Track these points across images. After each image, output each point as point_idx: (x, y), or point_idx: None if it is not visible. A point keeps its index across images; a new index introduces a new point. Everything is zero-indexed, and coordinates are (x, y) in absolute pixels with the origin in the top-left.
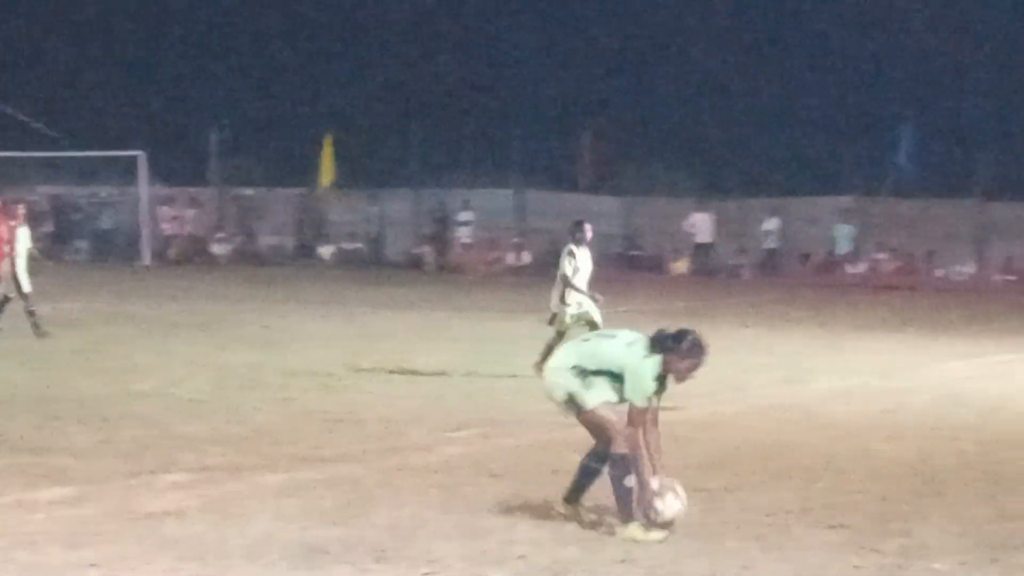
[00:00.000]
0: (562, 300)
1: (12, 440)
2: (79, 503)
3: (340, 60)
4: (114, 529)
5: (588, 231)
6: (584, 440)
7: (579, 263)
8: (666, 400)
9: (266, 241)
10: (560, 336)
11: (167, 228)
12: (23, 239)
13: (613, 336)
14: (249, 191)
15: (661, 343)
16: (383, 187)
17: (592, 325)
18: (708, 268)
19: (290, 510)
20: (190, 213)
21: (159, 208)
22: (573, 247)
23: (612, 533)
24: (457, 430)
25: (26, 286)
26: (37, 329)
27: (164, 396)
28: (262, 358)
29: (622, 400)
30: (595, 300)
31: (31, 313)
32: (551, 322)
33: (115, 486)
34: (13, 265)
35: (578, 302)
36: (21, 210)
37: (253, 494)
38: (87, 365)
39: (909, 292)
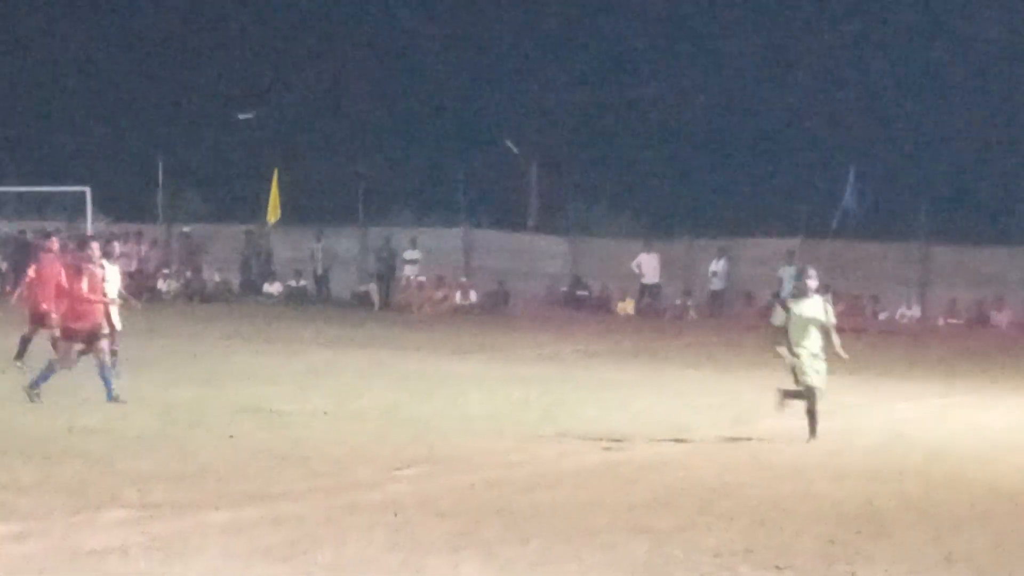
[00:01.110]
0: (790, 350)
1: None
2: (22, 539)
3: (288, 95)
4: (57, 566)
5: (812, 279)
6: (529, 479)
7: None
8: (611, 439)
9: (212, 277)
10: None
11: (119, 265)
12: (113, 279)
13: None
14: (194, 227)
15: None
16: (330, 224)
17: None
18: (655, 309)
19: (235, 548)
20: (138, 249)
21: (115, 244)
22: (789, 300)
23: None
24: (403, 468)
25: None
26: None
27: (108, 432)
28: (207, 395)
29: None
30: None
31: (113, 352)
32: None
33: (58, 522)
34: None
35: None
36: (117, 248)
37: (198, 531)
38: (30, 400)
39: (854, 334)
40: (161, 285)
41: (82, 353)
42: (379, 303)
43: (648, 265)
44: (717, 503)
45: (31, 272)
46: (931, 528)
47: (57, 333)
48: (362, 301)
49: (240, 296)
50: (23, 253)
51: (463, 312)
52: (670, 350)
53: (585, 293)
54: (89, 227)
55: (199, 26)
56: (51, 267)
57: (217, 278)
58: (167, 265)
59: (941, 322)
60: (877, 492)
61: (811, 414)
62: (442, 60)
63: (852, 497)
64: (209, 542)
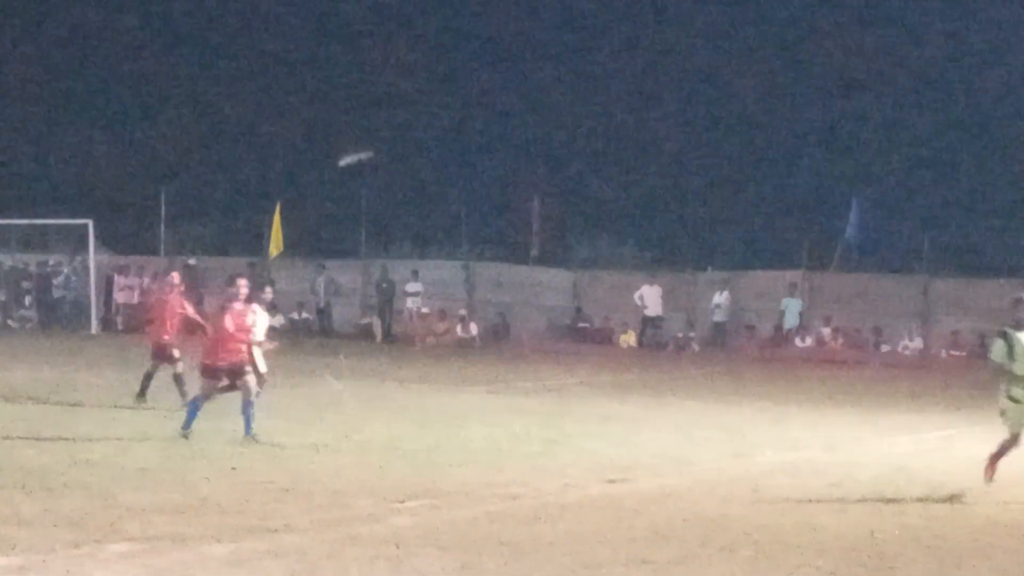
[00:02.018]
0: (1007, 395)
1: None
2: (23, 572)
3: (290, 128)
4: None
5: None
6: (531, 512)
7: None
8: (613, 472)
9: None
10: (1015, 440)
11: (121, 296)
12: (261, 321)
13: None
14: (185, 260)
15: None
16: (332, 257)
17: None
18: (657, 341)
19: None
20: (140, 281)
21: (116, 277)
22: (1009, 330)
23: None
24: (405, 501)
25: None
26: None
27: (110, 465)
28: (208, 427)
29: None
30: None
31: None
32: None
33: (60, 556)
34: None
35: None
36: (268, 294)
37: (199, 564)
38: (33, 433)
39: (856, 367)
40: None
41: (226, 390)
42: (381, 336)
43: (651, 297)
44: (719, 536)
45: (152, 306)
46: (934, 561)
47: (179, 368)
48: (364, 334)
49: None
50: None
51: (465, 345)
52: (672, 382)
53: (587, 325)
54: (91, 259)
55: (201, 61)
56: (173, 301)
57: None
58: None
59: (943, 354)
60: (879, 525)
61: (999, 456)
62: (444, 93)
63: (854, 530)
64: (211, 575)
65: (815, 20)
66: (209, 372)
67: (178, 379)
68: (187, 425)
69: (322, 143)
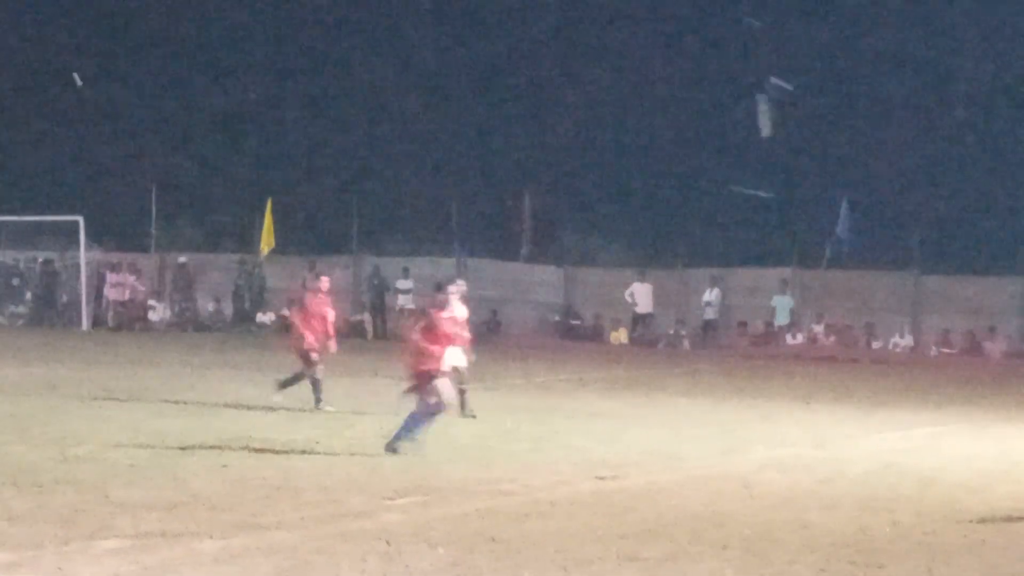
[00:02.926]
0: None
1: None
2: (14, 569)
3: (280, 125)
4: None
5: None
6: (521, 509)
7: None
8: (603, 469)
9: (205, 307)
10: None
11: (112, 293)
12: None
13: None
14: (188, 257)
15: None
16: (323, 254)
17: None
18: (647, 338)
19: None
20: (131, 279)
21: (108, 274)
22: None
23: None
24: (395, 498)
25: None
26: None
27: (100, 461)
28: (199, 424)
29: None
30: None
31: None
32: None
33: (50, 552)
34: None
35: None
36: (461, 285)
37: (189, 561)
38: (22, 430)
39: (847, 364)
40: (153, 315)
41: (410, 391)
42: (372, 333)
43: (641, 294)
44: (709, 533)
45: (297, 311)
46: (924, 558)
47: (319, 373)
48: (355, 331)
49: (233, 325)
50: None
51: None
52: (663, 379)
53: (578, 322)
54: (82, 256)
55: (192, 55)
56: (319, 307)
57: (210, 307)
58: (159, 295)
59: (934, 351)
60: (869, 522)
61: None
62: (436, 90)
63: (844, 527)
64: (201, 571)
65: (803, 17)
66: (425, 378)
67: (316, 383)
68: (413, 438)
69: (314, 140)
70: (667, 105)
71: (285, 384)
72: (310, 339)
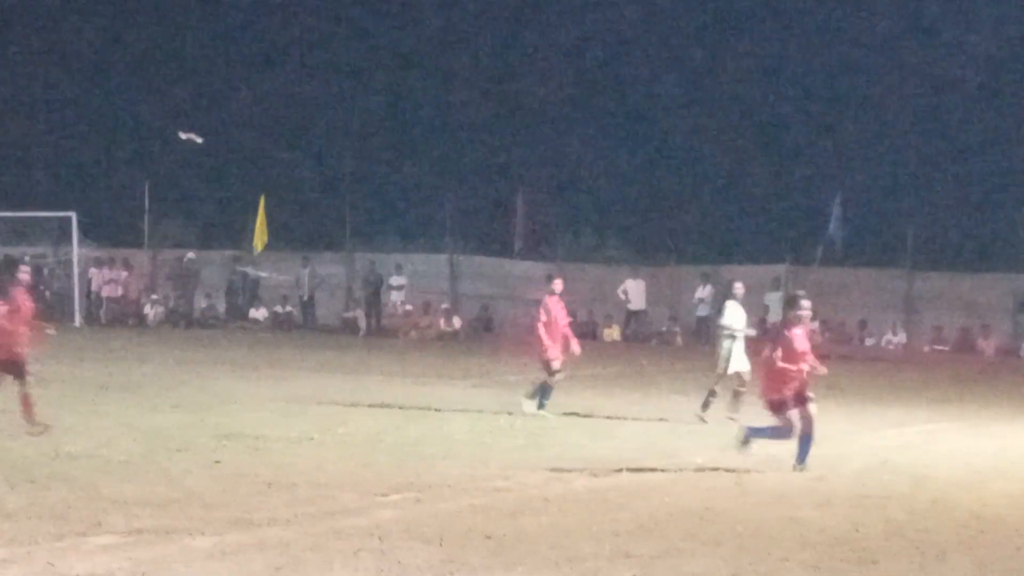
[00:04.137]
0: None
1: None
2: (6, 566)
3: (274, 123)
4: None
5: None
6: (514, 505)
7: None
8: (597, 466)
9: (198, 303)
10: None
11: (107, 290)
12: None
13: None
14: (183, 253)
15: None
16: (316, 250)
17: None
18: (640, 335)
19: (220, 573)
20: (124, 275)
21: (93, 270)
22: None
23: None
24: (389, 494)
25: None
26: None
27: (93, 458)
28: (193, 420)
29: None
30: None
31: (712, 393)
32: None
33: (43, 548)
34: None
35: None
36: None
37: (182, 557)
38: (16, 426)
39: (840, 360)
40: (147, 311)
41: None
42: (365, 329)
43: (634, 291)
44: (702, 529)
45: (541, 316)
46: (916, 555)
47: (553, 380)
48: (348, 327)
49: (226, 322)
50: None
51: (448, 338)
52: (656, 376)
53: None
54: (75, 252)
55: (184, 52)
56: (558, 310)
57: (203, 304)
58: (153, 291)
59: (927, 349)
60: (862, 519)
61: None
62: (427, 85)
63: (837, 524)
64: (194, 568)
65: (798, 16)
66: (778, 406)
67: (545, 389)
68: (757, 439)
69: (307, 136)
70: (660, 100)
71: (534, 395)
72: (553, 349)
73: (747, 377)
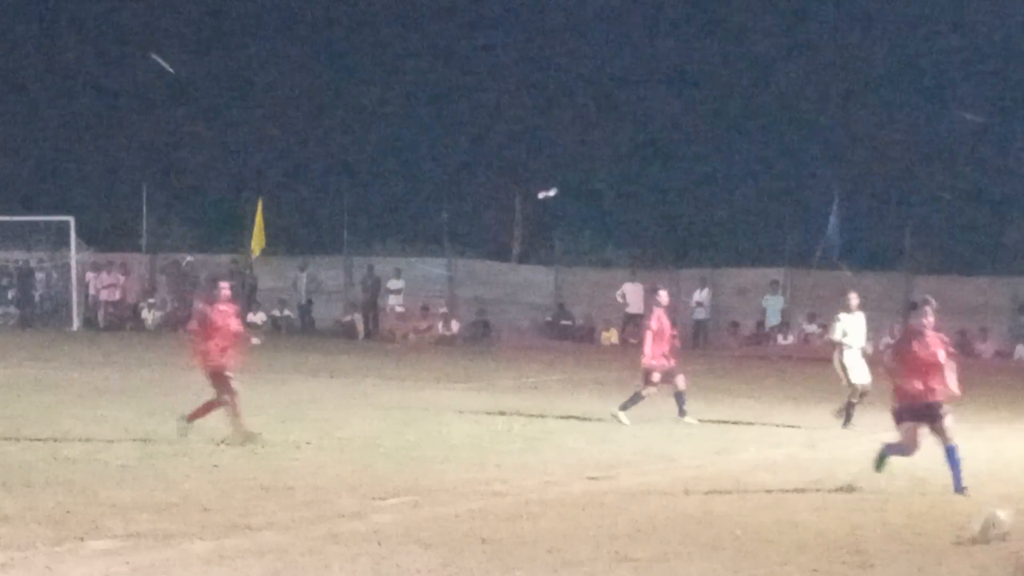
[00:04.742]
0: None
1: None
2: (4, 569)
3: (271, 125)
4: None
5: None
6: (512, 509)
7: None
8: (595, 469)
9: (196, 308)
10: None
11: (104, 294)
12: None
13: None
14: (181, 257)
15: None
16: (314, 254)
17: None
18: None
19: None
20: (121, 279)
21: (90, 274)
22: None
23: None
24: (387, 498)
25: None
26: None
27: (91, 462)
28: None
29: None
30: None
31: (851, 405)
32: None
33: (41, 552)
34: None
35: None
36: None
37: (180, 562)
38: (13, 430)
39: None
40: (145, 315)
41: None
42: (363, 333)
43: (632, 295)
44: (700, 533)
45: (652, 325)
46: (915, 559)
47: (645, 391)
48: (346, 331)
49: None
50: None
51: (447, 342)
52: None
53: (569, 323)
54: (72, 257)
55: (185, 55)
56: (662, 322)
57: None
58: (151, 295)
59: None
60: (860, 522)
61: None
62: (427, 89)
63: (835, 527)
64: (192, 572)
65: (794, 19)
66: (902, 414)
67: (679, 396)
68: (880, 465)
69: (304, 139)
70: (657, 104)
71: (626, 406)
72: (652, 358)
73: (867, 389)
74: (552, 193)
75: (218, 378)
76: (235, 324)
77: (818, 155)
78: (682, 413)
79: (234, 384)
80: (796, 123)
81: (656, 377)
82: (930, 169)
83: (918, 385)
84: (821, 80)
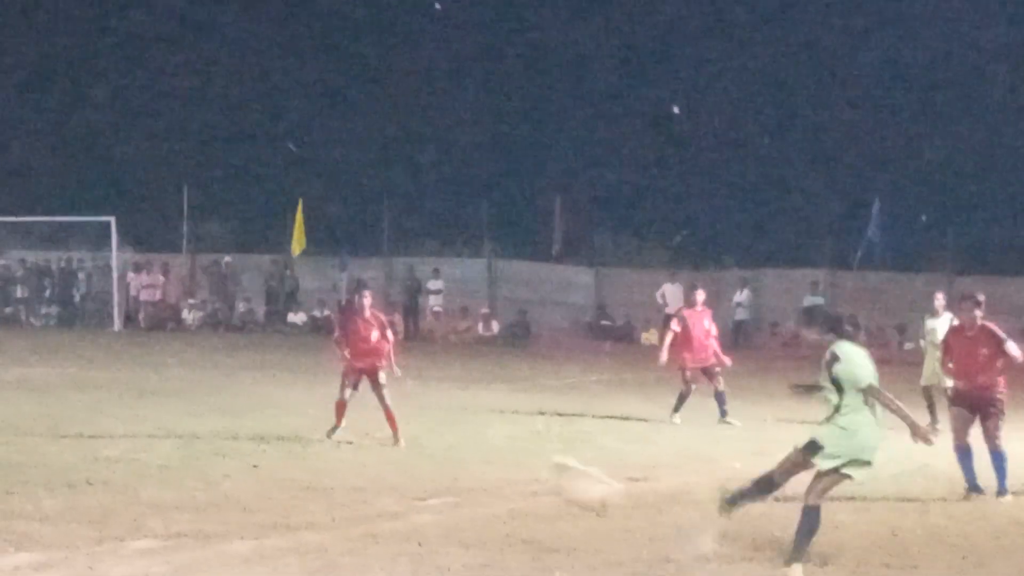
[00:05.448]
0: None
1: None
2: (45, 569)
3: (312, 126)
4: None
5: None
6: (552, 510)
7: None
8: (635, 470)
9: (237, 307)
10: None
11: (145, 295)
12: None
13: None
14: (222, 257)
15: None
16: (354, 254)
17: None
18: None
19: None
20: (161, 279)
21: (131, 274)
22: None
23: None
24: (427, 499)
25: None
26: None
27: (132, 462)
28: (231, 425)
29: None
30: None
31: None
32: None
33: (82, 552)
34: None
35: None
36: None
37: (221, 562)
38: (55, 430)
39: (879, 365)
40: (186, 315)
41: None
42: (403, 333)
43: (672, 295)
44: (740, 534)
45: (674, 327)
46: (955, 560)
47: (685, 389)
48: None
49: (265, 326)
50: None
51: (486, 342)
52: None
53: (609, 323)
54: (114, 257)
55: (224, 56)
56: (696, 322)
57: (242, 308)
58: (192, 295)
59: None
60: (901, 523)
61: None
62: (468, 91)
63: (876, 528)
64: (232, 572)
65: (838, 23)
66: (955, 399)
67: (719, 395)
68: (1001, 486)
69: (345, 140)
70: (698, 103)
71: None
72: (688, 359)
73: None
74: None
75: (351, 376)
76: (376, 335)
77: (859, 154)
78: (723, 413)
79: (386, 396)
80: (837, 122)
81: (688, 375)
82: (973, 167)
83: (971, 377)
84: (864, 80)
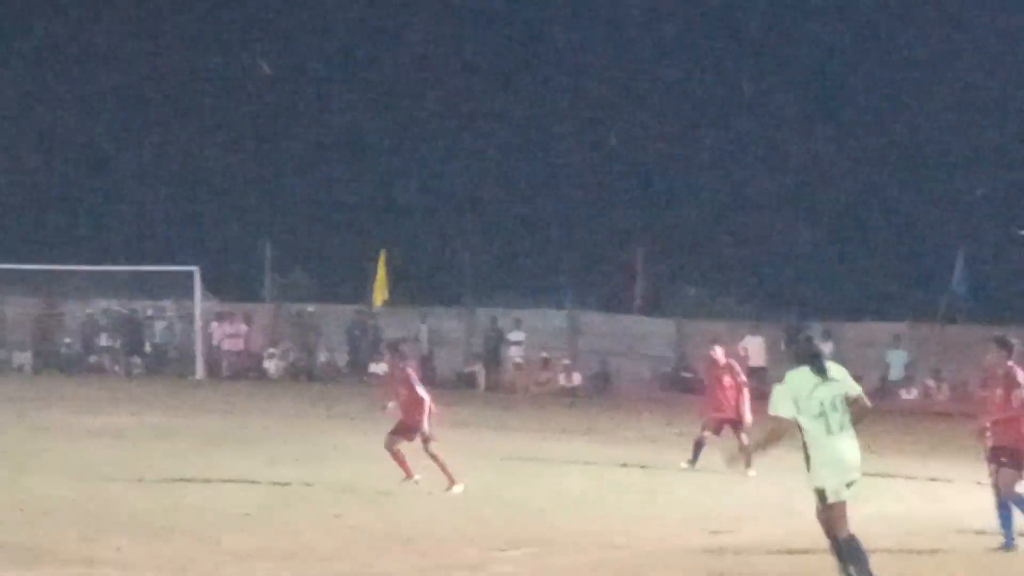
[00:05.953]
0: None
1: (61, 552)
2: None
3: (394, 177)
4: None
5: None
6: (633, 561)
7: None
8: (714, 522)
9: (319, 357)
10: None
11: (227, 344)
12: None
13: None
14: (304, 307)
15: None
16: (436, 305)
17: None
18: (761, 391)
19: None
20: (244, 329)
21: (214, 324)
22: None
23: None
24: (507, 549)
25: None
26: None
27: (213, 510)
28: (312, 474)
29: None
30: None
31: None
32: None
33: None
34: None
35: None
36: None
37: None
38: (137, 477)
39: (963, 419)
40: (267, 364)
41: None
42: (484, 384)
43: (754, 347)
44: None
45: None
46: None
47: (698, 436)
48: (467, 382)
49: (347, 375)
50: None
51: (567, 394)
52: None
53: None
54: (197, 306)
55: (304, 109)
56: (719, 373)
57: (324, 358)
58: (274, 344)
59: None
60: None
61: None
62: (548, 144)
63: None
64: None
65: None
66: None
67: (697, 446)
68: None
69: (427, 191)
70: (780, 155)
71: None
72: (705, 408)
73: None
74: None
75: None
76: (404, 389)
77: (942, 205)
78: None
79: (432, 448)
80: (919, 172)
81: (704, 423)
82: None
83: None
84: (947, 128)
